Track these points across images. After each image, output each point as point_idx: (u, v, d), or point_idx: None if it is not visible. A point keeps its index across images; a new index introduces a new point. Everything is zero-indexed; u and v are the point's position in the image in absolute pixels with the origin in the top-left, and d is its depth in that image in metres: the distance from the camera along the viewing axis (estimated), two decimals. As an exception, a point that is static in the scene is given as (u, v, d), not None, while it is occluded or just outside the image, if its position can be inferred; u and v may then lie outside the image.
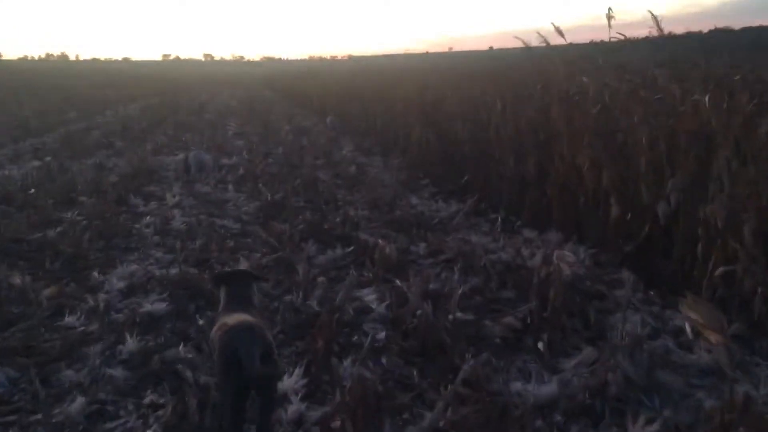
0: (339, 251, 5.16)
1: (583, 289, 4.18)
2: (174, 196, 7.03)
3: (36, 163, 9.85)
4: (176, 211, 6.50)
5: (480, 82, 9.41)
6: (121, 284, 4.49)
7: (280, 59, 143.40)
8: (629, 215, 4.76)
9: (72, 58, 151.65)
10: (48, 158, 10.12)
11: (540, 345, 3.47)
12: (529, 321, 3.77)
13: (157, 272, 4.72)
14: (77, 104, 21.55)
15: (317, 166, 9.31)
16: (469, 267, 4.64)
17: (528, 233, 5.55)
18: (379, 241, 5.02)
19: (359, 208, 6.62)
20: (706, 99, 4.45)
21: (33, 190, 7.48)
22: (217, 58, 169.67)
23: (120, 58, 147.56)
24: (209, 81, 44.42)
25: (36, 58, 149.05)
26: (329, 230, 5.73)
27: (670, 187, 4.24)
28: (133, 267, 4.82)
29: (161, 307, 4.12)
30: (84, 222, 6.07)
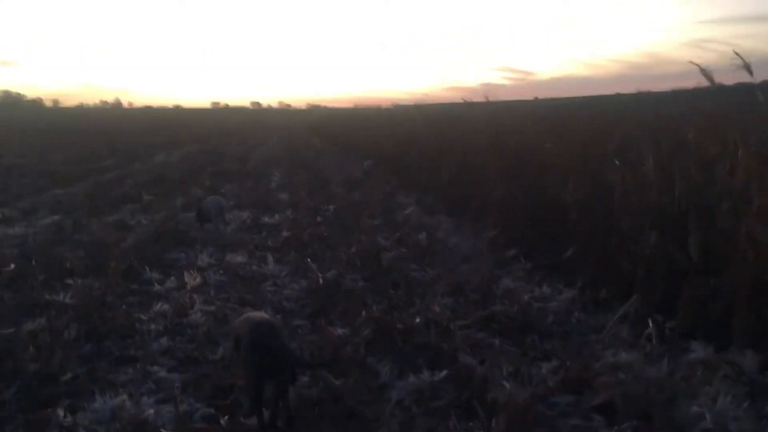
0: (426, 376, 3.45)
1: None
2: (195, 276, 5.40)
3: (51, 219, 8.49)
4: (197, 297, 4.89)
5: (586, 126, 7.69)
6: (89, 441, 2.85)
7: (325, 107, 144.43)
8: None
9: (125, 105, 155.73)
10: (65, 214, 8.76)
11: None
12: None
13: (151, 413, 3.08)
14: (117, 150, 20.67)
15: (375, 229, 7.70)
16: (644, 422, 2.88)
17: (698, 350, 3.75)
18: (485, 366, 3.30)
19: (440, 295, 4.93)
20: None
21: (32, 261, 6.01)
22: (264, 105, 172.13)
23: (171, 106, 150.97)
24: (255, 128, 43.77)
25: (92, 105, 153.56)
26: (406, 336, 4.02)
27: None
28: (117, 401, 3.18)
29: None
30: (72, 312, 4.51)
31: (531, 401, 2.98)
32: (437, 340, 3.92)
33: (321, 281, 5.17)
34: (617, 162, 5.44)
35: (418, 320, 4.13)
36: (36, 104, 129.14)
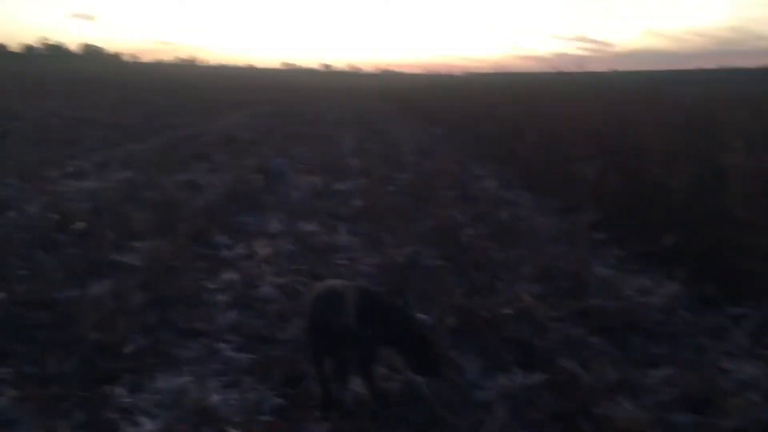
0: (518, 378, 3.06)
1: None
2: (264, 245, 5.11)
3: (123, 174, 8.42)
4: (267, 267, 4.61)
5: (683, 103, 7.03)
6: (150, 427, 2.59)
7: (395, 71, 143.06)
8: None
9: (200, 62, 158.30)
10: (137, 171, 8.69)
11: None
12: None
13: (216, 399, 2.80)
14: (192, 108, 20.81)
15: (451, 202, 7.27)
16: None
17: None
18: (588, 372, 2.88)
19: (526, 281, 4.50)
20: None
21: (102, 217, 5.89)
22: (334, 68, 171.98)
23: (244, 65, 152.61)
24: (325, 90, 43.59)
25: (169, 62, 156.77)
26: (493, 327, 3.63)
27: None
28: (181, 382, 2.93)
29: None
30: (138, 275, 4.31)
31: (650, 423, 2.55)
32: (529, 335, 3.51)
33: (397, 258, 4.80)
34: (736, 145, 4.84)
35: (507, 311, 3.70)
36: (115, 59, 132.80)
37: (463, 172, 9.50)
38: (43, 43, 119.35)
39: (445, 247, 5.41)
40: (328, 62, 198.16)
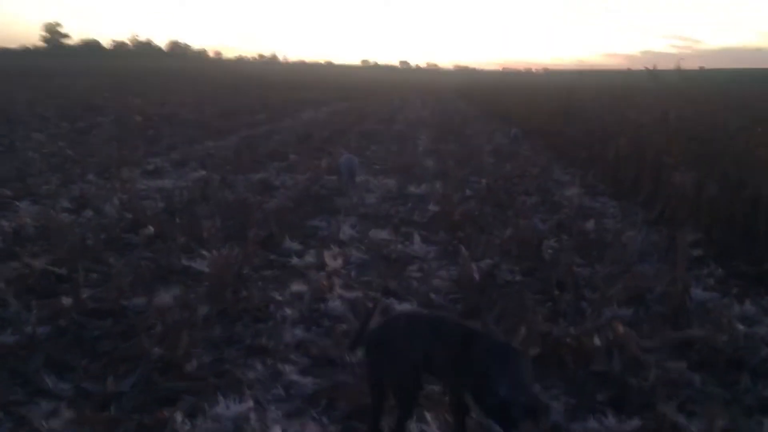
0: (611, 422, 2.72)
1: None
2: (335, 255, 4.90)
3: (199, 174, 8.46)
4: (337, 279, 4.41)
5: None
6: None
7: (473, 69, 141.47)
8: None
9: (281, 59, 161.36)
10: (213, 169, 8.72)
11: None
12: None
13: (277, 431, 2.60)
14: (270, 105, 21.05)
15: (532, 209, 6.90)
16: None
17: None
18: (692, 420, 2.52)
19: (615, 304, 4.12)
20: None
21: (176, 218, 5.87)
22: (412, 65, 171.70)
23: (323, 62, 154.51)
24: (402, 88, 43.41)
25: (250, 58, 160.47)
26: (580, 359, 3.29)
27: None
28: (242, 408, 2.74)
29: None
30: (206, 283, 4.20)
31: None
32: (622, 370, 3.16)
33: (474, 273, 4.49)
34: None
35: (597, 342, 3.35)
36: (200, 55, 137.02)
37: (544, 176, 9.07)
38: (133, 41, 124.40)
39: (525, 261, 5.08)
40: (405, 59, 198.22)
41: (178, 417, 2.64)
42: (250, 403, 2.79)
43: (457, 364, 2.31)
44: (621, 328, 3.46)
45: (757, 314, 4.15)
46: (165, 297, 3.95)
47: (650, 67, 20.30)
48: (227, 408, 2.74)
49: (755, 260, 5.09)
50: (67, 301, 3.77)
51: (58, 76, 34.58)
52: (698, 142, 6.89)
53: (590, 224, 6.12)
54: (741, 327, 3.79)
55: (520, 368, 2.23)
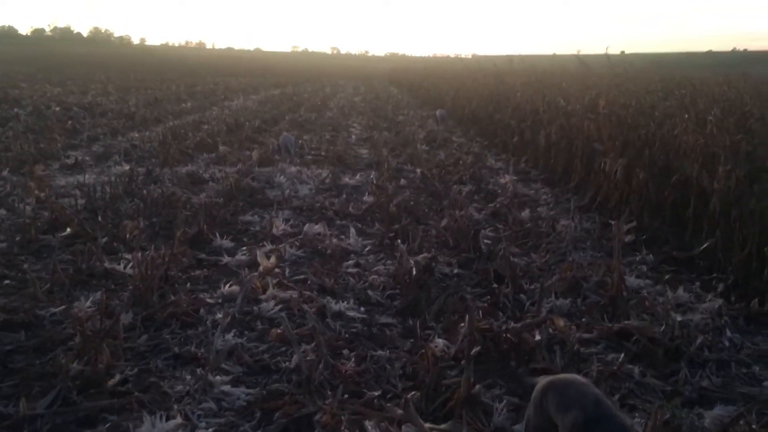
0: (553, 421, 2.67)
1: None
2: (269, 254, 4.69)
3: (123, 168, 8.04)
4: (270, 278, 4.23)
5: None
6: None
7: (403, 56, 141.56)
8: None
9: (208, 46, 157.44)
10: (138, 162, 8.33)
11: None
12: None
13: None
14: (198, 93, 20.42)
15: (467, 198, 6.86)
16: None
17: None
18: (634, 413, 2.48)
19: (555, 296, 4.11)
20: None
21: (98, 216, 5.53)
22: (343, 52, 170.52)
23: (252, 48, 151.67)
24: (334, 75, 43.04)
25: (176, 45, 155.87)
26: (521, 354, 3.24)
27: None
28: (169, 426, 2.55)
29: None
30: (130, 287, 3.95)
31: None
32: (565, 366, 3.12)
33: (411, 268, 4.38)
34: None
35: (537, 337, 3.30)
36: (123, 42, 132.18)
37: (478, 163, 9.07)
38: (52, 27, 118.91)
39: (462, 252, 5.04)
40: (336, 46, 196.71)
41: (98, 440, 2.44)
42: (179, 420, 2.61)
43: None
44: (561, 322, 3.43)
45: (689, 301, 4.21)
46: (85, 304, 3.70)
47: (577, 52, 20.65)
48: (153, 427, 2.56)
49: (684, 246, 5.19)
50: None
51: (-31, 63, 32.59)
52: (626, 128, 6.99)
53: (525, 213, 6.12)
54: (676, 316, 3.83)
55: None
